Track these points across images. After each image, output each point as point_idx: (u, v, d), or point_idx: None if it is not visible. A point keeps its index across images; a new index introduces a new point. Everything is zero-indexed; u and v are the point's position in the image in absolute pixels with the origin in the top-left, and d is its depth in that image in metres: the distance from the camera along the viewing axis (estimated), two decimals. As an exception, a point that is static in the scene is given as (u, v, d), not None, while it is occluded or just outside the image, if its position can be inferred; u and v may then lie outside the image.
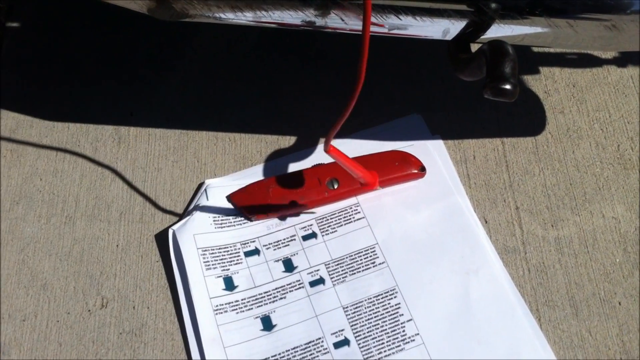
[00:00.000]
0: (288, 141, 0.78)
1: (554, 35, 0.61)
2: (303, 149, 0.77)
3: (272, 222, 0.73)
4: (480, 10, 0.58)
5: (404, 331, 0.67)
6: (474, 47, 0.61)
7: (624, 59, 0.81)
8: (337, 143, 0.76)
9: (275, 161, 0.77)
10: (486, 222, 0.73)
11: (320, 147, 0.77)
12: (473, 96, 0.78)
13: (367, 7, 0.48)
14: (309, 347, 0.67)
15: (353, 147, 0.76)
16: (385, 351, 0.66)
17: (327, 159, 0.75)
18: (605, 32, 0.59)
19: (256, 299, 0.69)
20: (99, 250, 0.73)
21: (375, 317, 0.68)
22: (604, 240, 0.71)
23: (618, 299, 0.69)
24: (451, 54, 0.61)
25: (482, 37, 0.61)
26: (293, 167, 0.76)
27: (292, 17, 0.61)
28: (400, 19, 0.60)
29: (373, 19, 0.60)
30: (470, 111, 0.78)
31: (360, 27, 0.61)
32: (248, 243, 0.72)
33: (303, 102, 0.80)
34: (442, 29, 0.61)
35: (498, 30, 0.60)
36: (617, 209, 0.73)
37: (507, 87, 0.52)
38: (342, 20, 0.61)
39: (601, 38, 0.60)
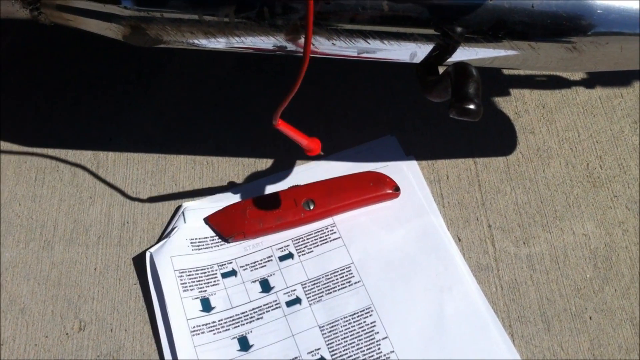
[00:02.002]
0: (265, 164, 0.79)
1: (521, 58, 0.64)
2: (279, 171, 0.78)
3: (249, 244, 0.74)
4: (445, 34, 0.60)
5: (379, 349, 0.68)
6: (442, 70, 0.63)
7: (592, 80, 0.83)
8: (312, 165, 0.78)
9: (252, 183, 0.78)
10: (460, 240, 0.74)
11: (297, 169, 0.78)
12: (446, 117, 0.79)
13: None
14: (286, 366, 0.68)
15: (329, 169, 0.77)
16: (361, 369, 0.67)
17: (303, 181, 0.76)
18: (567, 54, 0.61)
19: (233, 320, 0.70)
20: (77, 274, 0.73)
21: (351, 335, 0.69)
22: (574, 256, 0.73)
23: (589, 314, 0.70)
24: (419, 76, 0.62)
25: (448, 60, 0.63)
26: (270, 189, 0.77)
27: (264, 42, 0.63)
28: (368, 42, 0.62)
29: (342, 43, 0.62)
30: (443, 132, 0.80)
31: (330, 51, 0.64)
32: (225, 264, 0.73)
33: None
34: (410, 52, 0.63)
35: (464, 53, 0.62)
36: (587, 226, 0.74)
37: (471, 106, 0.54)
38: (313, 44, 0.63)
39: (563, 59, 0.62)
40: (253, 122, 0.82)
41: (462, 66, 0.56)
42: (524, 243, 0.74)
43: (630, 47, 0.60)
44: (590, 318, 0.70)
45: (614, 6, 0.59)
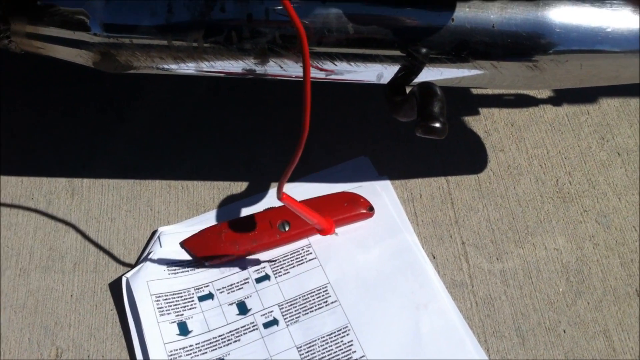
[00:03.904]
0: (240, 187, 0.80)
1: (487, 77, 0.65)
2: (255, 194, 0.79)
3: (226, 266, 0.74)
4: (410, 55, 0.62)
5: (356, 368, 0.68)
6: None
7: (559, 98, 0.85)
8: (287, 187, 0.78)
9: (227, 207, 0.78)
10: (434, 257, 0.75)
11: (271, 191, 0.79)
12: (418, 137, 0.81)
13: (306, 60, 0.51)
14: (265, 388, 0.68)
15: (303, 190, 0.78)
16: (338, 388, 0.68)
17: (278, 203, 0.77)
18: (529, 72, 0.63)
19: (210, 343, 0.70)
20: (53, 301, 0.73)
21: (328, 355, 0.69)
22: (547, 271, 0.74)
23: (563, 327, 0.71)
24: (387, 96, 0.64)
25: (415, 80, 0.64)
26: (245, 212, 0.77)
27: (233, 66, 0.64)
28: (335, 64, 0.63)
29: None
30: (415, 152, 0.81)
31: (298, 73, 0.65)
32: (202, 288, 0.73)
33: (253, 148, 0.82)
34: (376, 73, 0.64)
35: (429, 74, 0.64)
36: (559, 241, 0.76)
37: (436, 125, 0.55)
38: (281, 67, 0.64)
39: (526, 78, 0.64)
40: (228, 146, 0.82)
41: (427, 86, 0.58)
42: (497, 259, 0.75)
43: (589, 64, 0.62)
44: (564, 331, 0.71)
45: (571, 24, 0.60)
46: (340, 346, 0.69)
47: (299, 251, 0.75)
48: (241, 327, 0.71)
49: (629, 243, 0.75)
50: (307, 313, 0.71)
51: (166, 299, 0.72)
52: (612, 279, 0.73)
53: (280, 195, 0.64)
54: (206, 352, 0.69)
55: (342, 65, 0.63)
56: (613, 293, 0.73)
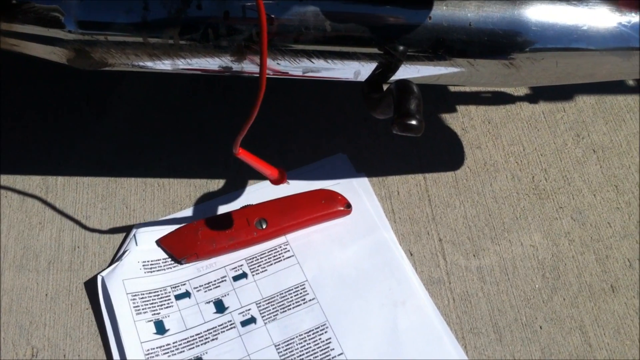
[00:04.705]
0: (217, 184, 0.79)
1: (464, 75, 0.65)
2: (231, 192, 0.79)
3: (202, 264, 0.74)
4: (388, 53, 0.62)
5: (334, 365, 0.68)
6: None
7: (535, 96, 0.86)
8: (264, 184, 0.78)
9: (204, 204, 0.78)
10: (411, 254, 0.75)
11: (249, 188, 0.79)
12: (395, 135, 0.81)
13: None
14: (242, 386, 0.68)
15: (280, 188, 0.77)
16: (316, 386, 0.68)
17: (255, 200, 0.77)
18: (505, 70, 0.63)
19: (188, 342, 0.70)
20: (27, 300, 0.72)
21: (306, 353, 0.69)
22: (523, 267, 0.74)
23: (539, 323, 0.71)
24: (364, 94, 0.64)
25: (392, 77, 0.64)
26: (222, 209, 0.77)
27: (209, 63, 0.64)
28: (312, 62, 0.63)
29: (287, 62, 0.63)
30: (393, 149, 0.82)
31: (276, 69, 0.65)
32: (178, 286, 0.72)
33: (231, 146, 0.81)
34: (354, 70, 0.64)
35: (406, 71, 0.64)
36: (535, 237, 0.76)
37: (413, 122, 0.55)
38: (258, 65, 0.64)
39: (503, 75, 0.64)
40: (204, 143, 0.82)
41: (403, 83, 0.58)
42: (474, 255, 0.75)
43: (565, 62, 0.63)
44: (541, 327, 0.71)
45: (548, 23, 0.61)
46: (318, 344, 0.69)
47: (276, 249, 0.75)
48: (218, 326, 0.70)
49: (604, 239, 0.76)
50: (285, 311, 0.71)
51: (142, 298, 0.71)
52: (587, 275, 0.74)
53: (236, 150, 0.64)
54: (183, 351, 0.69)
55: (319, 63, 0.63)
56: (588, 289, 0.73)
